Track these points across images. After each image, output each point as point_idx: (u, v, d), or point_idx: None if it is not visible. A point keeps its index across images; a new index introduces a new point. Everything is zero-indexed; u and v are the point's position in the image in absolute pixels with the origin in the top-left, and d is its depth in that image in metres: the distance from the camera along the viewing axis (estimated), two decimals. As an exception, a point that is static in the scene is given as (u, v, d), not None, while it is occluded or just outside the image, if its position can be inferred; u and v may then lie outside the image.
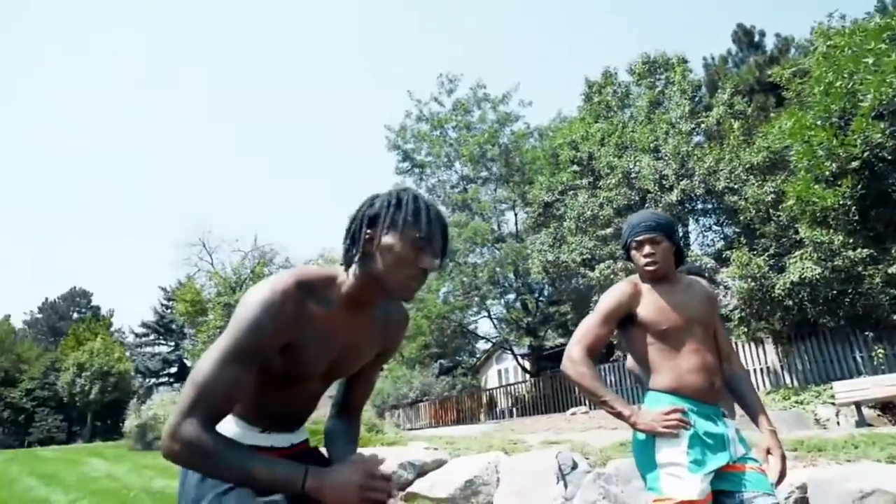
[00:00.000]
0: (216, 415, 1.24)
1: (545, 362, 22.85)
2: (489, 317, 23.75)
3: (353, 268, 1.39)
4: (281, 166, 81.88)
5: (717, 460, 2.06)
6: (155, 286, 65.69)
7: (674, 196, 12.74)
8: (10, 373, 43.39)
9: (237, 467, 1.21)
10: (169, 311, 46.26)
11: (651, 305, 2.22)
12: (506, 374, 27.51)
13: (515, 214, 22.85)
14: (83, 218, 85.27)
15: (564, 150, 15.76)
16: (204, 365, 1.25)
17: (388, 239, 1.34)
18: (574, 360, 2.18)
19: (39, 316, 57.55)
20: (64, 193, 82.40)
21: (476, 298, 21.65)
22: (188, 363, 42.96)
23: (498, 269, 20.46)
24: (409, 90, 23.81)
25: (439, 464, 6.79)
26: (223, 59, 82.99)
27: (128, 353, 41.48)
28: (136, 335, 50.72)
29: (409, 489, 6.64)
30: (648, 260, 2.23)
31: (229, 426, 1.46)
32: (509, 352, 24.45)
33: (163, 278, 67.70)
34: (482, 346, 27.96)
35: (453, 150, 23.14)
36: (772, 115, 15.97)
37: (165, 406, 17.96)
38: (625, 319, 2.26)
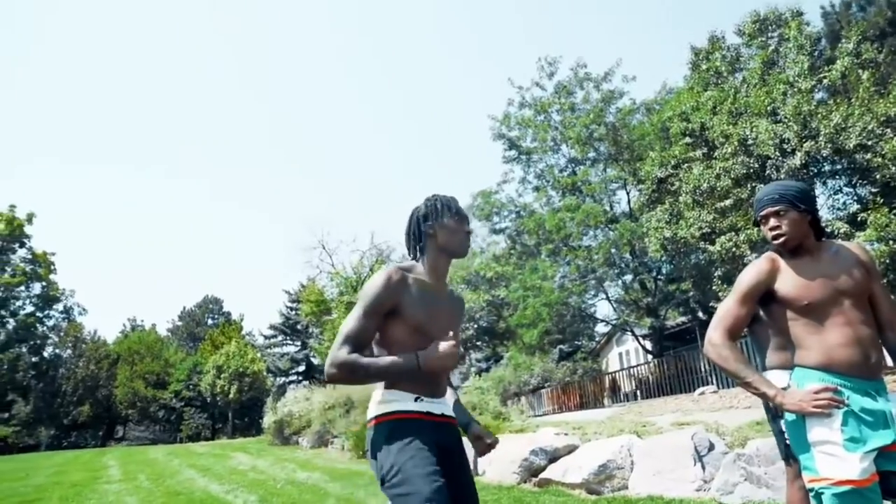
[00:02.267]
0: (355, 348, 1.94)
1: (668, 342, 22.21)
2: (607, 299, 23.35)
3: (427, 250, 2.17)
4: (393, 164, 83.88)
5: (880, 438, 1.96)
6: (279, 290, 69.43)
7: (797, 160, 11.97)
8: (160, 376, 47.48)
9: (376, 368, 1.94)
10: (294, 312, 48.65)
11: (791, 280, 2.16)
12: (627, 356, 26.99)
13: (627, 193, 22.29)
14: (210, 228, 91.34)
15: (674, 123, 15.16)
16: (347, 320, 2.01)
17: (441, 222, 2.15)
18: (715, 344, 2.17)
19: (180, 323, 62.26)
20: (191, 205, 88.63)
21: (593, 281, 21.33)
22: (315, 361, 45.07)
23: (613, 250, 20.03)
24: (510, 77, 23.75)
25: (571, 449, 6.82)
26: (337, 61, 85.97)
27: (259, 355, 44.03)
28: (265, 337, 53.69)
29: (542, 475, 6.71)
30: (775, 233, 2.21)
31: (389, 395, 2.06)
32: (629, 333, 23.93)
33: (286, 282, 71.24)
34: (601, 329, 27.55)
35: (559, 133, 22.84)
36: (910, 57, 14.61)
37: (299, 403, 18.87)
38: (765, 296, 2.21)
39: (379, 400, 2.06)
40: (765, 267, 2.22)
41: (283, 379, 49.39)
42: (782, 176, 12.45)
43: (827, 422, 1.98)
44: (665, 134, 16.40)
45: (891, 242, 10.36)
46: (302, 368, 50.11)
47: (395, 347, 2.01)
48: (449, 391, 2.25)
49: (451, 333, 2.00)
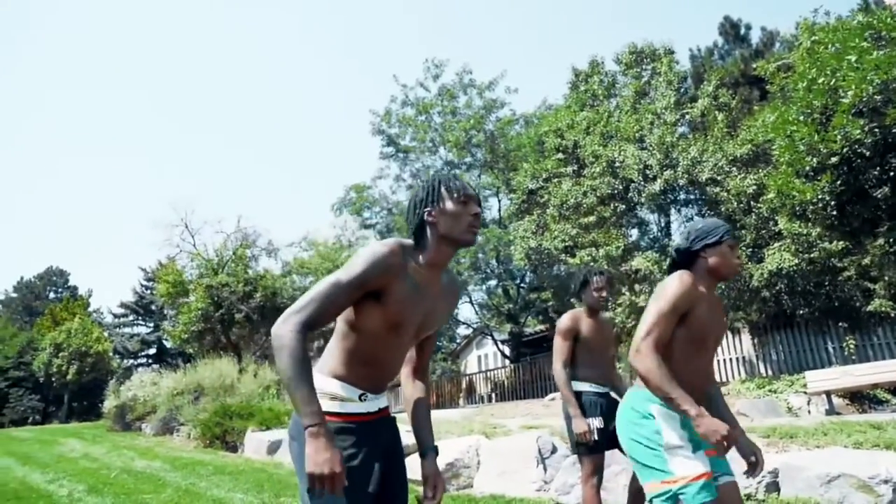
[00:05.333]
0: (313, 321, 1.62)
1: (525, 348, 23.04)
2: (471, 302, 23.86)
3: (427, 239, 1.82)
4: (266, 148, 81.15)
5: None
6: (135, 266, 65.03)
7: (657, 186, 12.83)
8: (-17, 352, 42.78)
9: (294, 380, 1.54)
10: (149, 291, 45.87)
11: (706, 308, 2.27)
12: (485, 359, 27.72)
13: (499, 201, 22.91)
14: (62, 196, 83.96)
15: (550, 138, 15.78)
16: (321, 284, 1.68)
17: (441, 206, 1.80)
18: (643, 354, 2.16)
19: (14, 295, 56.60)
20: (42, 171, 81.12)
21: (458, 284, 21.72)
22: (167, 344, 42.71)
23: (480, 255, 20.52)
24: (395, 74, 23.75)
25: (420, 446, 6.86)
26: (207, 41, 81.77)
27: (106, 334, 40.98)
28: (115, 316, 50.29)
29: (390, 471, 6.69)
30: (738, 266, 2.36)
31: (335, 388, 1.78)
32: (489, 338, 24.58)
33: (143, 258, 66.98)
34: (462, 331, 28.11)
35: (438, 135, 23.10)
36: (755, 108, 16.11)
37: (145, 387, 17.74)
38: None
39: (318, 388, 1.68)
40: (693, 285, 2.27)
41: (132, 361, 46.52)
42: (643, 200, 13.29)
43: (676, 429, 2.19)
44: (540, 147, 17.02)
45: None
46: (153, 351, 47.46)
47: (362, 336, 1.76)
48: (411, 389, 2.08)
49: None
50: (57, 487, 7.57)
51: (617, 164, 13.65)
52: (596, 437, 3.49)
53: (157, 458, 10.42)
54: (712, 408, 2.42)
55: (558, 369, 3.64)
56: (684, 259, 2.42)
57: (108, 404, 19.28)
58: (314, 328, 1.63)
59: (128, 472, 8.80)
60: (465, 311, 26.70)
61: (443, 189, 1.82)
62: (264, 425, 11.07)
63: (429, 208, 1.81)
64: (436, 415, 13.11)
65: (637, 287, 13.33)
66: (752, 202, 12.13)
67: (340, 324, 1.81)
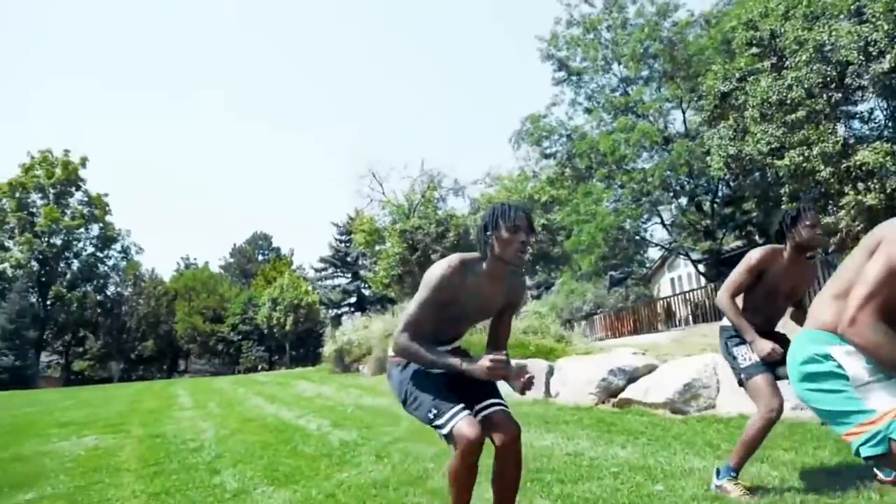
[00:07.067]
0: (414, 332, 2.36)
1: (724, 267, 21.66)
2: (661, 223, 22.78)
3: (488, 255, 2.37)
4: (444, 89, 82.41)
5: None
6: (326, 224, 69.98)
7: (885, 64, 11.05)
8: (216, 311, 48.97)
9: (425, 357, 2.32)
10: (343, 244, 49.31)
11: None
12: (679, 281, 26.62)
13: (683, 112, 21.34)
14: (258, 165, 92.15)
15: (739, 32, 14.25)
16: (409, 306, 2.41)
17: (496, 233, 2.33)
18: (861, 325, 1.75)
19: (231, 260, 63.72)
20: (238, 143, 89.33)
21: (647, 205, 20.72)
22: (366, 292, 45.81)
23: (668, 171, 19.36)
24: (557, -7, 22.65)
25: (651, 369, 6.62)
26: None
27: (311, 287, 44.88)
28: (316, 270, 54.80)
29: (622, 395, 6.53)
30: None
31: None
32: (682, 258, 23.43)
33: (333, 214, 71.73)
34: (652, 255, 27.03)
35: (609, 51, 21.87)
36: None
37: (358, 331, 19.08)
38: None
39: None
40: None
41: (336, 311, 50.45)
42: (865, 83, 11.61)
43: (860, 362, 1.79)
44: (726, 47, 15.47)
45: None
46: (353, 300, 51.08)
47: (427, 318, 2.40)
48: None
49: (498, 356, 2.23)
50: (306, 423, 8.29)
51: (827, 48, 11.99)
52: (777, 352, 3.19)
53: (382, 394, 11.05)
54: None
55: (725, 299, 3.34)
56: None
57: (328, 349, 20.92)
58: (417, 337, 2.34)
59: (360, 408, 9.44)
60: (656, 232, 25.33)
61: (499, 219, 2.33)
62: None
63: (489, 233, 2.35)
64: (641, 339, 12.74)
65: (860, 186, 11.81)
66: None
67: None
